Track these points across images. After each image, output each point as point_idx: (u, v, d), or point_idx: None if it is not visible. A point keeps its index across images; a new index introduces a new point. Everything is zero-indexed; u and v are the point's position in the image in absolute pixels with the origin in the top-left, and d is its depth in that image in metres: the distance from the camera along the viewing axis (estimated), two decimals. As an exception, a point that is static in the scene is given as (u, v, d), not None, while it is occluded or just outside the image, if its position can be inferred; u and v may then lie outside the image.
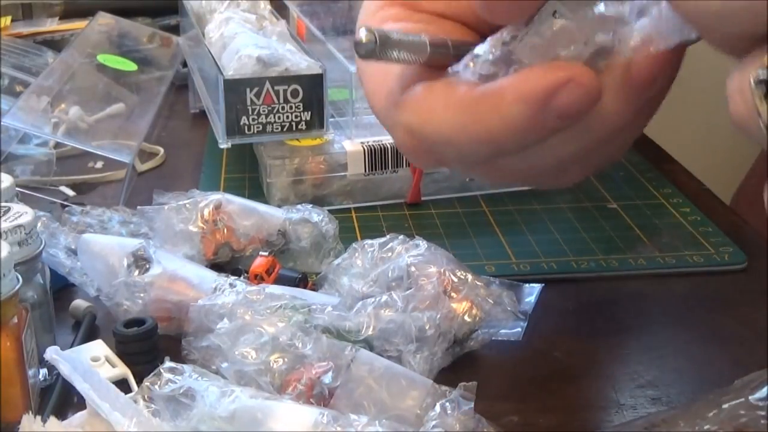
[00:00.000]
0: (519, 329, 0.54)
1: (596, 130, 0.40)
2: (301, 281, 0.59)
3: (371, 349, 0.49)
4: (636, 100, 0.40)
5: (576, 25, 0.38)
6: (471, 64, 0.40)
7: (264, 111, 0.71)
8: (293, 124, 0.72)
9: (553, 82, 0.37)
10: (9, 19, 1.16)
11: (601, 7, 0.38)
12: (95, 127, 0.85)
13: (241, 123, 0.71)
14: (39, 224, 0.57)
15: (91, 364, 0.48)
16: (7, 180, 0.55)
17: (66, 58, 0.94)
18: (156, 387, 0.43)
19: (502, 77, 0.39)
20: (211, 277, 0.56)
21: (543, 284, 0.56)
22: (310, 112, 0.72)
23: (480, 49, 0.40)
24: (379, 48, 0.39)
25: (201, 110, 0.91)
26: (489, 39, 0.40)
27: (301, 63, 0.72)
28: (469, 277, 0.53)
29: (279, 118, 0.71)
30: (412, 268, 0.53)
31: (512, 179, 0.47)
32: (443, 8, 0.46)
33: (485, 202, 0.73)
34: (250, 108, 0.71)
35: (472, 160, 0.42)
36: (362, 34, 0.39)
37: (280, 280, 0.58)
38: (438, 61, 0.41)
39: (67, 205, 0.69)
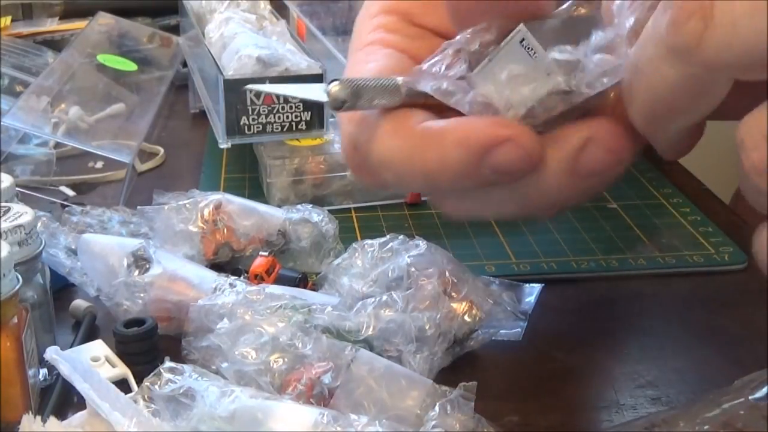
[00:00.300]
0: (519, 329, 0.54)
1: (534, 199, 0.41)
2: (301, 281, 0.59)
3: (371, 349, 0.49)
4: (579, 185, 0.41)
5: (532, 65, 0.38)
6: (436, 74, 0.40)
7: (264, 111, 0.71)
8: (293, 124, 0.72)
9: (494, 136, 0.38)
10: (9, 19, 1.16)
11: (556, 53, 0.38)
12: (95, 127, 0.85)
13: (241, 123, 0.71)
14: (39, 224, 0.57)
15: (91, 364, 0.48)
16: (7, 180, 0.55)
17: (66, 58, 0.94)
18: (156, 387, 0.43)
19: (460, 97, 0.39)
20: (211, 277, 0.56)
21: (543, 284, 0.56)
22: (310, 112, 0.72)
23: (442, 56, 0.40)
24: (350, 101, 0.39)
25: (201, 110, 0.91)
26: (452, 48, 0.41)
27: (301, 63, 0.72)
28: (469, 277, 0.53)
29: (279, 118, 0.71)
30: (412, 268, 0.53)
31: (458, 215, 0.47)
32: (436, 24, 0.47)
33: (485, 202, 0.73)
34: (250, 108, 0.71)
35: (410, 189, 0.43)
36: (333, 89, 0.39)
37: (280, 280, 0.58)
38: (416, 101, 0.41)
39: (67, 205, 0.69)
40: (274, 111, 0.71)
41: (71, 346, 0.52)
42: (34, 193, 0.74)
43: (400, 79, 0.41)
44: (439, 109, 0.41)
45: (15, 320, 0.45)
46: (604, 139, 0.39)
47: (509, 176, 0.39)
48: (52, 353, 0.44)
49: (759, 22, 0.30)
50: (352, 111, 0.41)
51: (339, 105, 0.39)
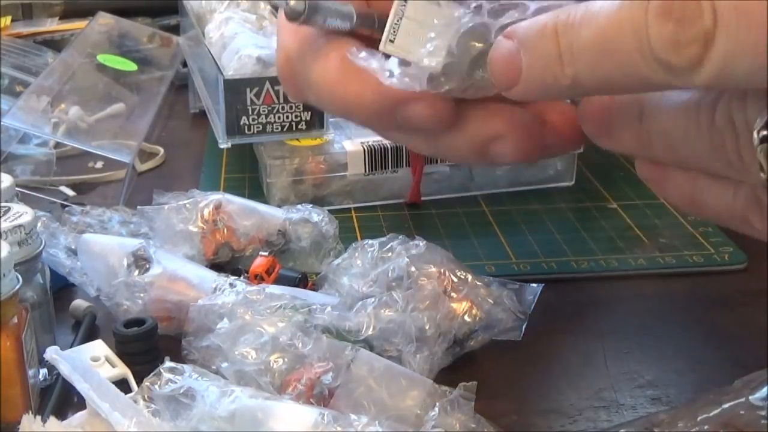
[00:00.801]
0: (519, 329, 0.54)
1: (445, 152, 0.43)
2: (301, 281, 0.59)
3: (371, 349, 0.49)
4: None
5: (436, 10, 0.38)
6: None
7: (264, 111, 0.71)
8: (293, 124, 0.72)
9: (410, 94, 0.39)
10: (9, 19, 1.16)
11: None
12: (95, 127, 0.85)
13: (241, 123, 0.71)
14: (39, 224, 0.57)
15: (91, 364, 0.48)
16: (7, 180, 0.55)
17: (66, 58, 0.94)
18: (156, 387, 0.43)
19: (378, 66, 0.40)
20: (211, 277, 0.56)
21: (543, 284, 0.56)
22: (310, 112, 0.72)
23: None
24: (307, 14, 0.40)
25: (201, 110, 0.91)
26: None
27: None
28: (469, 277, 0.53)
29: (279, 118, 0.71)
30: (412, 268, 0.53)
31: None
32: None
33: (485, 202, 0.73)
34: (250, 108, 0.71)
35: (329, 113, 0.44)
36: (292, 1, 0.40)
37: (280, 280, 0.58)
38: (363, 31, 0.42)
39: (67, 205, 0.69)
40: (274, 111, 0.71)
41: (71, 346, 0.52)
42: (34, 193, 0.74)
43: (352, 8, 0.42)
44: None
45: (15, 320, 0.45)
46: (515, 138, 0.40)
47: (420, 128, 0.40)
48: (52, 353, 0.44)
49: (762, 60, 0.29)
50: (304, 26, 0.41)
51: (295, 16, 0.40)
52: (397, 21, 0.39)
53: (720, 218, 0.38)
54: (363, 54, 0.39)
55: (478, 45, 0.38)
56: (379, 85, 0.39)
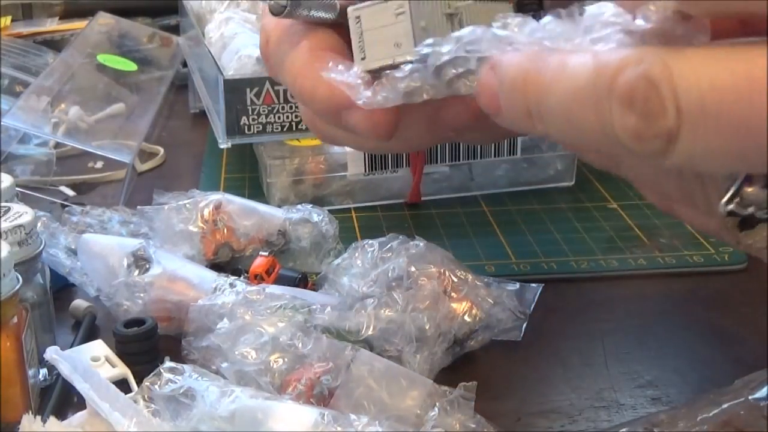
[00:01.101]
0: (519, 329, 0.54)
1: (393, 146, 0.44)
2: (301, 281, 0.59)
3: (371, 349, 0.49)
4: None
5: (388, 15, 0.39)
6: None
7: (264, 111, 0.71)
8: (293, 124, 0.72)
9: (351, 101, 0.39)
10: (9, 19, 1.16)
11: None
12: (95, 127, 0.85)
13: (241, 123, 0.71)
14: (39, 224, 0.57)
15: (91, 364, 0.48)
16: (7, 180, 0.55)
17: (66, 58, 0.94)
18: (156, 387, 0.43)
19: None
20: (211, 277, 0.56)
21: (543, 284, 0.56)
22: (310, 112, 0.72)
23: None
24: (290, 7, 0.41)
25: (201, 110, 0.91)
26: None
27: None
28: (469, 277, 0.53)
29: (279, 118, 0.71)
30: (412, 268, 0.53)
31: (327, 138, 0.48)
32: None
33: (485, 202, 0.73)
34: (250, 108, 0.71)
35: (294, 96, 0.45)
36: None
37: (280, 280, 0.58)
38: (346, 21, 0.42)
39: (67, 205, 0.69)
40: (274, 111, 0.71)
41: (71, 346, 0.52)
42: (34, 193, 0.74)
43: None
44: None
45: (15, 320, 0.45)
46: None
47: (361, 133, 0.41)
48: (52, 353, 0.44)
49: (728, 161, 0.29)
50: (289, 18, 0.42)
51: (279, 10, 0.41)
52: (360, 38, 0.40)
53: (697, 229, 0.38)
54: (340, 67, 0.39)
55: (455, 71, 0.37)
56: (327, 89, 0.40)
